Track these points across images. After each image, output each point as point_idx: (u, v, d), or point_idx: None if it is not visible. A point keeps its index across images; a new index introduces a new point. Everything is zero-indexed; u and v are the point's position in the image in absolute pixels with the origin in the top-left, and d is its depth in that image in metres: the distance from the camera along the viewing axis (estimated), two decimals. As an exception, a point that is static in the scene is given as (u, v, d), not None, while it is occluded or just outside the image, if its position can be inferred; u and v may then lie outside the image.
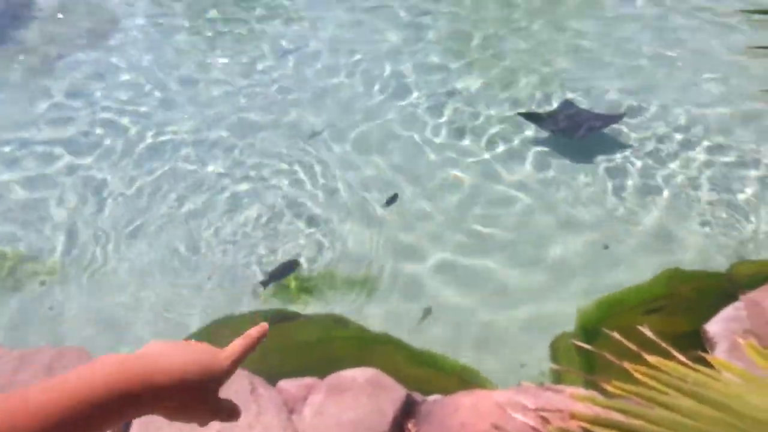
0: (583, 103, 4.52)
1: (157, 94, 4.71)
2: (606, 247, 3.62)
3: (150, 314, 3.35)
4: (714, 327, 2.81)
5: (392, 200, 3.88)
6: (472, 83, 4.79)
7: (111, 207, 3.86)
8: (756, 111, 4.42)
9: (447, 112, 4.55)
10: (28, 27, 5.44)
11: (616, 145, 4.25)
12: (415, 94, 4.71)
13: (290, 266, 3.47)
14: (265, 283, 3.41)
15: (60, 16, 5.59)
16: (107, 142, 4.30)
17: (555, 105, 4.51)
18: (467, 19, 5.53)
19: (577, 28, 5.36)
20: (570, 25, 5.43)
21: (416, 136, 4.36)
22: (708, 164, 4.11)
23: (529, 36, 5.32)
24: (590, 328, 3.07)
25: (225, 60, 5.09)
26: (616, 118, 4.29)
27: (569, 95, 4.60)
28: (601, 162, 4.14)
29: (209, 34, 5.42)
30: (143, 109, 4.59)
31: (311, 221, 3.80)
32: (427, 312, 3.32)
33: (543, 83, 4.80)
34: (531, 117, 4.33)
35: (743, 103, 4.49)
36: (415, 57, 5.07)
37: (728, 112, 4.47)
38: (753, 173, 4.04)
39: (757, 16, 4.88)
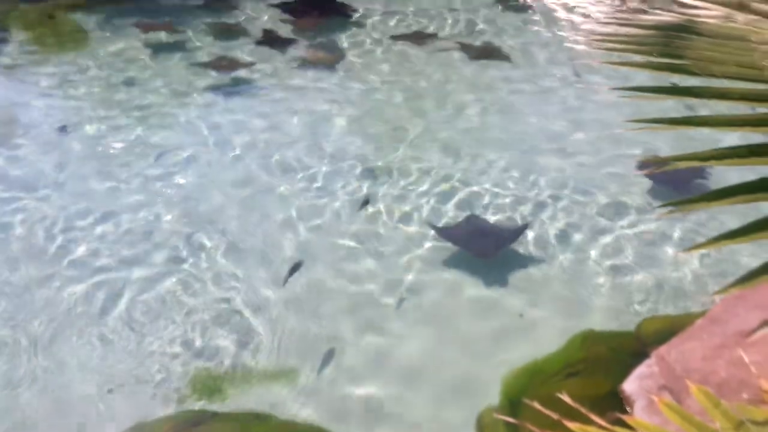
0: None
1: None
2: (521, 315, 3.70)
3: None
4: (630, 386, 2.90)
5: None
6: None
7: None
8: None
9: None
10: None
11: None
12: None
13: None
14: None
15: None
16: None
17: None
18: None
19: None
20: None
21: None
22: (599, 230, 4.37)
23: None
24: (514, 399, 3.08)
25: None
26: (523, 228, 4.25)
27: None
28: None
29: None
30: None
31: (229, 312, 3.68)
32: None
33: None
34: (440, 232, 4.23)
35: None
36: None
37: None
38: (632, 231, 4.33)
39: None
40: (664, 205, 1.08)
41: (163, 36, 6.95)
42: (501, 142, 5.27)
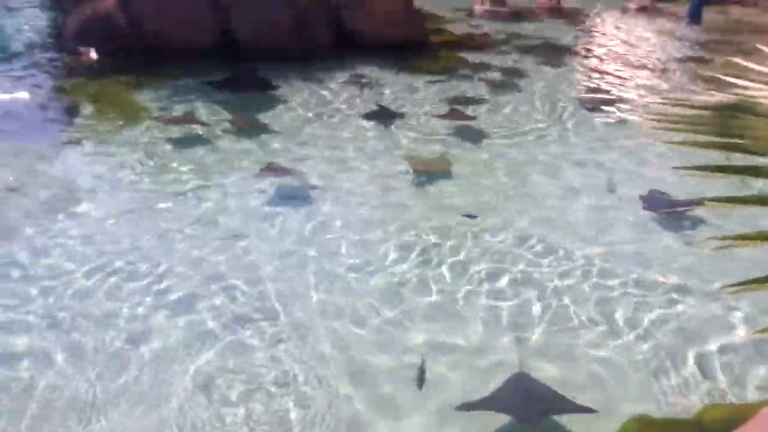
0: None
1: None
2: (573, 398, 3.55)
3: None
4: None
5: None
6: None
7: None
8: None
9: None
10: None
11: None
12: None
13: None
14: None
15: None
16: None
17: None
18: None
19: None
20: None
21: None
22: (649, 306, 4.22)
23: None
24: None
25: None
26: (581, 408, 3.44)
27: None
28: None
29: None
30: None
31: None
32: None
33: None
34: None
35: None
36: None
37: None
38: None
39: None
40: (731, 285, 1.06)
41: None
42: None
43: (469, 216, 5.25)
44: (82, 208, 5.37)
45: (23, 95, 8.31)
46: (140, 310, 4.14)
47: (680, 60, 10.62)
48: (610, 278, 4.55)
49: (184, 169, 6.11)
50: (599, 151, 6.68)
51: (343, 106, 7.98)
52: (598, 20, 14.58)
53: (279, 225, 5.14)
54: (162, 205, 5.43)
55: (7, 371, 3.59)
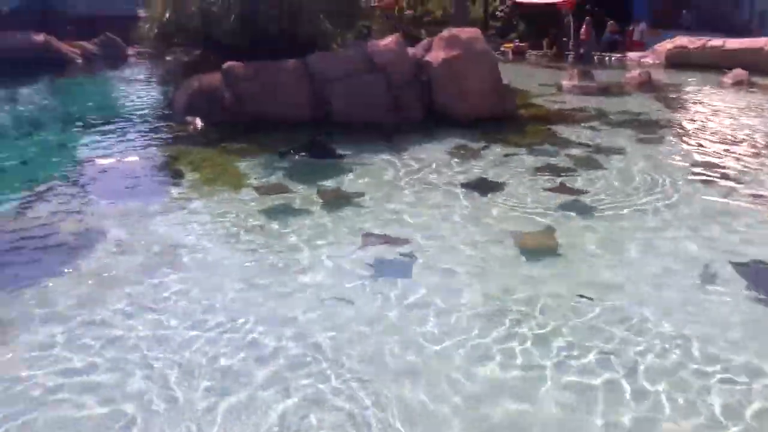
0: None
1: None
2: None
3: None
4: None
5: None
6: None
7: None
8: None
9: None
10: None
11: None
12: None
13: None
14: None
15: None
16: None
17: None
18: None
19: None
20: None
21: None
22: None
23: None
24: None
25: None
26: None
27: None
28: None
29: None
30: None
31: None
32: None
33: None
34: None
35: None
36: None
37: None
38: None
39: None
40: None
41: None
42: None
43: (585, 297, 4.98)
44: (182, 265, 5.61)
45: (133, 159, 8.94)
46: (228, 361, 4.21)
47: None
48: (711, 363, 4.20)
49: (280, 233, 6.28)
50: (703, 228, 6.37)
51: (435, 177, 8.04)
52: (692, 95, 14.29)
53: (372, 291, 5.14)
54: (256, 267, 5.57)
55: (107, 413, 3.70)
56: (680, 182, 7.71)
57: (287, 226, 6.45)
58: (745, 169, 8.29)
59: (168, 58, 14.83)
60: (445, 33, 11.42)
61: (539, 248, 5.84)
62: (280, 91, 10.53)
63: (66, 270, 5.52)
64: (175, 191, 7.61)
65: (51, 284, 5.27)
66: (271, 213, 6.79)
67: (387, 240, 5.97)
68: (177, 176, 8.18)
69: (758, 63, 16.87)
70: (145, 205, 7.06)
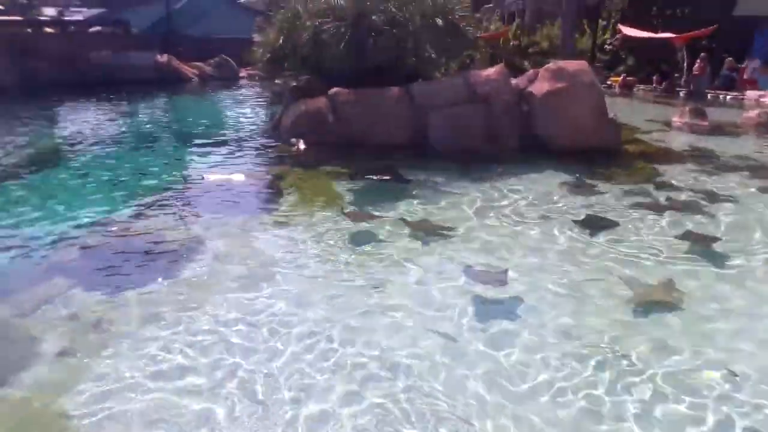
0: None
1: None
2: None
3: None
4: None
5: None
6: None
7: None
8: None
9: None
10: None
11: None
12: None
13: None
14: None
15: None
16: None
17: None
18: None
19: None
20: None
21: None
22: None
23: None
24: None
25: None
26: None
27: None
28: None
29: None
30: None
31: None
32: None
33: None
34: None
35: None
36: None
37: None
38: None
39: None
40: None
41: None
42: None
43: (731, 373, 4.32)
44: (276, 281, 5.81)
45: (239, 177, 9.38)
46: (313, 373, 4.31)
47: None
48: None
49: (369, 258, 6.37)
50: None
51: (533, 211, 7.85)
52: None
53: (460, 322, 5.09)
54: (341, 290, 5.66)
55: (197, 411, 3.88)
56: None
57: (376, 251, 6.49)
58: None
59: (277, 81, 15.54)
60: (552, 65, 11.30)
61: (660, 302, 5.31)
62: (381, 117, 10.76)
63: (168, 276, 5.85)
64: (275, 208, 7.90)
65: (153, 289, 5.61)
66: (363, 237, 6.88)
67: (483, 274, 5.76)
68: (278, 194, 8.51)
69: None
70: (246, 220, 7.38)
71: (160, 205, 7.95)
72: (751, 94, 19.62)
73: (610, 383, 4.26)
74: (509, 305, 5.32)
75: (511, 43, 28.24)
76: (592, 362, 4.48)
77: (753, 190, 8.91)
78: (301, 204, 8.08)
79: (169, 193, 8.49)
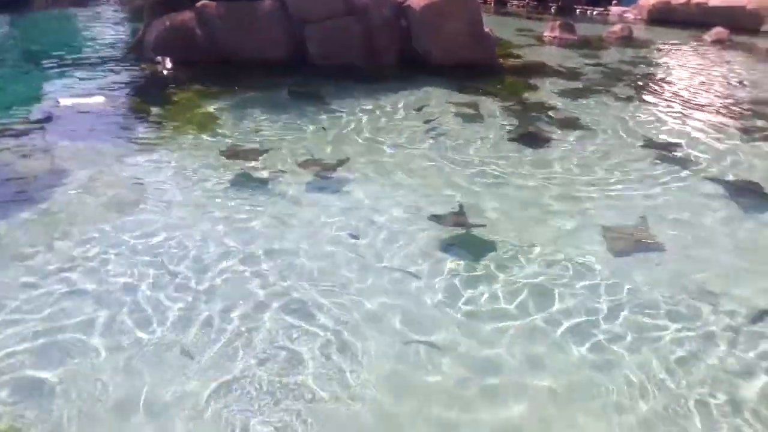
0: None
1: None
2: None
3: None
4: None
5: None
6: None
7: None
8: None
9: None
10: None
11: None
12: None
13: None
14: None
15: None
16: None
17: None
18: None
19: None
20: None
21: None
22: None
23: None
24: None
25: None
26: None
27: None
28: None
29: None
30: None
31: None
32: None
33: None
34: None
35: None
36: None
37: None
38: None
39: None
40: None
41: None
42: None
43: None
44: (144, 208, 5.47)
45: (99, 100, 8.58)
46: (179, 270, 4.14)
47: (756, 99, 10.08)
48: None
49: (244, 185, 6.13)
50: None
51: (408, 130, 7.88)
52: (670, 52, 14.14)
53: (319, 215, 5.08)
54: (218, 212, 5.46)
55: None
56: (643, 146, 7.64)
57: (254, 179, 6.27)
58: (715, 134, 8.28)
59: (139, -5, 14.18)
60: (428, -23, 11.02)
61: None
62: (254, 32, 10.16)
63: (28, 209, 5.34)
64: (141, 134, 7.35)
65: (12, 224, 5.11)
66: (240, 157, 6.60)
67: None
68: (144, 118, 7.90)
69: (740, 21, 16.74)
70: (108, 146, 6.82)
71: (10, 135, 7.12)
72: (615, 9, 20.46)
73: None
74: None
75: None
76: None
77: (612, 101, 9.45)
78: (170, 126, 7.57)
79: (18, 121, 7.62)
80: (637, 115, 8.81)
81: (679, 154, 7.24)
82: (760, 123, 8.59)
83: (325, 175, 6.25)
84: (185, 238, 5.01)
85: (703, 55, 13.75)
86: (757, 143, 7.71)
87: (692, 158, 7.10)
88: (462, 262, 4.82)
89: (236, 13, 10.18)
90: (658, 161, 6.95)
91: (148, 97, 8.65)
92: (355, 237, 5.11)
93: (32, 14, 20.67)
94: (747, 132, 8.14)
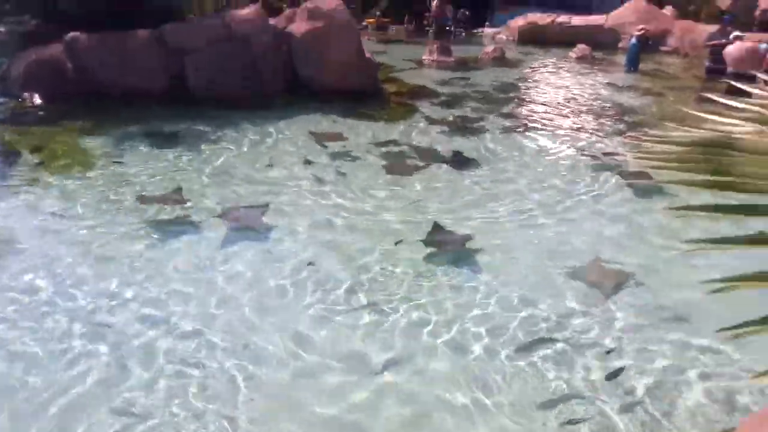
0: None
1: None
2: None
3: None
4: None
5: None
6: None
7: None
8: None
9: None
10: None
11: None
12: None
13: None
14: None
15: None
16: None
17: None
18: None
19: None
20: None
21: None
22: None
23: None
24: None
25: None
26: None
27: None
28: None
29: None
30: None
31: None
32: None
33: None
34: None
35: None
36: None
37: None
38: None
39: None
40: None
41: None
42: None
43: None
44: (16, 256, 5.15)
45: (-39, 140, 7.97)
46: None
47: (620, 104, 11.08)
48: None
49: (131, 216, 5.92)
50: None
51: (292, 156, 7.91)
52: (540, 69, 15.15)
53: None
54: (103, 250, 5.23)
55: None
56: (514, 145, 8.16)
57: (138, 208, 6.07)
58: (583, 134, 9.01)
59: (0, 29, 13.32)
60: (308, 4, 11.14)
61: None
62: (130, 64, 9.82)
63: None
64: (11, 175, 6.89)
65: None
66: (124, 195, 6.36)
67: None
68: (13, 158, 7.41)
69: (600, 39, 18.26)
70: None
71: None
72: (488, 31, 21.59)
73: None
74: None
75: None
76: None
77: (488, 115, 10.03)
78: (42, 165, 7.16)
79: None
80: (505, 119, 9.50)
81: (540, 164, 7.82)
82: (621, 126, 9.61)
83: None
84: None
85: (569, 70, 14.88)
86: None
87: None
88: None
89: (108, 44, 9.83)
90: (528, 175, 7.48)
91: (18, 136, 8.12)
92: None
93: None
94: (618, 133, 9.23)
